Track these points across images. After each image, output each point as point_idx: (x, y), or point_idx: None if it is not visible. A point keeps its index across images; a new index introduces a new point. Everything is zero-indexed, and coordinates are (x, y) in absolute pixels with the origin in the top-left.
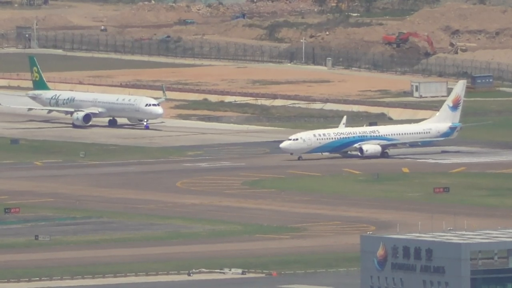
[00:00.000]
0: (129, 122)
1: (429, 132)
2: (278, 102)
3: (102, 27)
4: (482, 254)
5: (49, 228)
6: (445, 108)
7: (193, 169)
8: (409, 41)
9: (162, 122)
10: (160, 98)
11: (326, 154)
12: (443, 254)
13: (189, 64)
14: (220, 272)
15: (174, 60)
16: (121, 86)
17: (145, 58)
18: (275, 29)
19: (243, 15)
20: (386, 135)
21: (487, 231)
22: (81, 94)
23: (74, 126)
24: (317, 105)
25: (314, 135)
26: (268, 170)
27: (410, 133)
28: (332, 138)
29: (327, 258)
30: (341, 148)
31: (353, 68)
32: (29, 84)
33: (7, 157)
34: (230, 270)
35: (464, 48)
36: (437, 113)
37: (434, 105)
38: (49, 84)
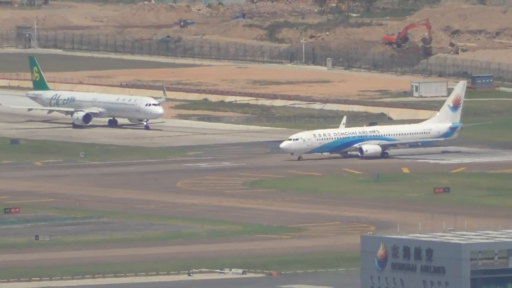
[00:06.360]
0: (129, 122)
1: (429, 132)
2: (278, 102)
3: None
4: (482, 254)
5: (49, 228)
6: (445, 108)
7: (193, 169)
8: (409, 40)
9: (163, 122)
10: (161, 98)
11: (326, 154)
12: (443, 254)
13: (189, 64)
14: (221, 272)
15: (174, 60)
16: (121, 86)
17: (145, 58)
18: (275, 29)
19: (243, 15)
20: (386, 135)
21: (487, 231)
22: (81, 94)
23: (74, 126)
24: (317, 105)
25: (314, 135)
26: (268, 170)
27: (410, 133)
28: (332, 138)
29: (327, 258)
30: (341, 148)
31: (353, 68)
32: (29, 84)
33: (7, 157)
34: (230, 270)
35: (464, 48)
36: (437, 113)
37: (434, 105)
38: (49, 84)
